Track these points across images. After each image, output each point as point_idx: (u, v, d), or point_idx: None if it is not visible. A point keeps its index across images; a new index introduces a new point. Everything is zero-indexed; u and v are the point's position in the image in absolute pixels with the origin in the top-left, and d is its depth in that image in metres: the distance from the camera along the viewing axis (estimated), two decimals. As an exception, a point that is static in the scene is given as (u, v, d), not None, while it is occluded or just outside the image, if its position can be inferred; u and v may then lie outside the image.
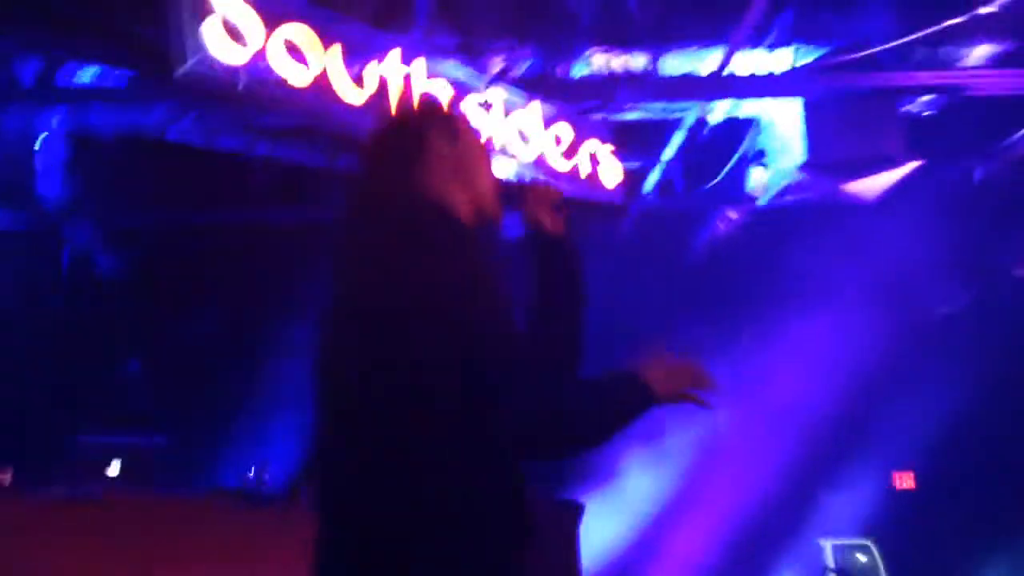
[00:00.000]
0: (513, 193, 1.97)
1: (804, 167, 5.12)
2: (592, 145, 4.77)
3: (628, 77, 4.78)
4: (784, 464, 6.58)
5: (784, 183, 5.41)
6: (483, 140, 2.05)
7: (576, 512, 4.62)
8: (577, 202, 5.00)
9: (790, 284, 6.10)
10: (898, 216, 5.62)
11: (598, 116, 4.82)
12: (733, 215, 6.01)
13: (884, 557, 7.35)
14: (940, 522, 7.19)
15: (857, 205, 5.48)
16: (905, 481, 7.32)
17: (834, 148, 5.03)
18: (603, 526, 6.13)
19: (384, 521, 1.62)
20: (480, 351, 1.62)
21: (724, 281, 6.36)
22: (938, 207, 5.64)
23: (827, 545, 7.15)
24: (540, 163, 4.61)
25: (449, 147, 1.85)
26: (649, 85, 4.70)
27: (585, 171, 4.79)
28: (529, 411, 1.62)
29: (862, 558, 7.38)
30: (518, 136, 4.50)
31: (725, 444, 6.45)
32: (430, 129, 1.86)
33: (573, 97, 4.74)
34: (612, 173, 4.91)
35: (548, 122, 4.55)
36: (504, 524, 1.68)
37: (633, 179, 5.50)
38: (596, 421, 1.69)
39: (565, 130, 4.61)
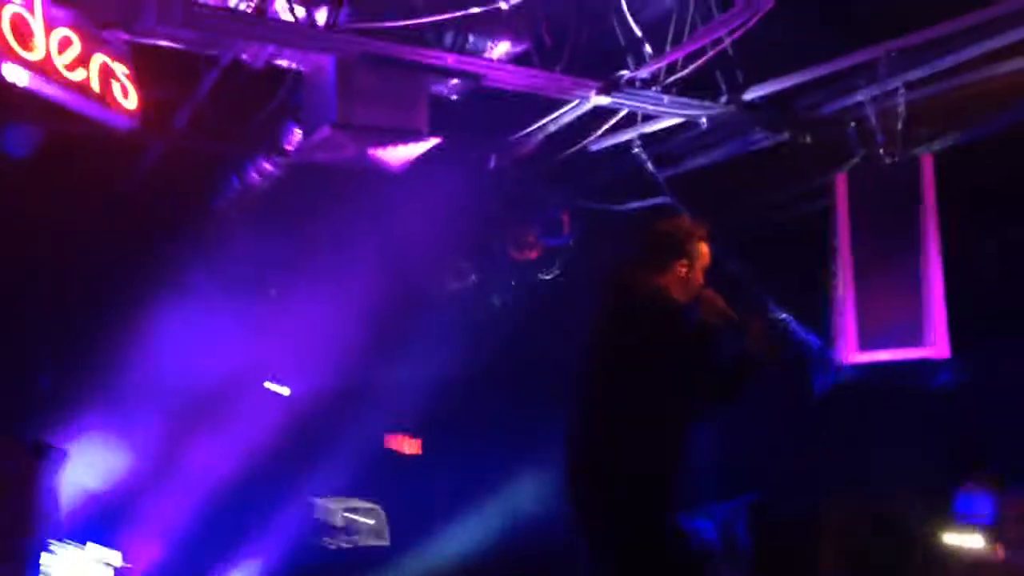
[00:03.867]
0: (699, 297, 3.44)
1: (335, 127, 5.20)
2: (105, 61, 4.42)
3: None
4: (288, 425, 6.68)
5: (317, 140, 5.45)
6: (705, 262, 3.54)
7: (55, 458, 4.27)
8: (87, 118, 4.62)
9: (312, 243, 6.19)
10: (419, 190, 5.96)
11: (118, 32, 4.47)
12: (268, 166, 5.94)
13: (389, 518, 7.75)
14: (438, 484, 7.77)
15: (382, 173, 5.71)
16: (409, 446, 7.79)
17: (365, 112, 5.16)
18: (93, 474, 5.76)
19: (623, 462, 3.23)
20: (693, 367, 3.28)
21: (252, 232, 6.28)
22: (456, 188, 6.07)
23: (328, 505, 7.36)
24: (44, 65, 4.16)
25: (686, 271, 3.43)
26: (178, 10, 4.45)
27: (96, 87, 4.42)
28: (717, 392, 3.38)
29: (368, 520, 7.70)
30: (13, 34, 4.02)
31: (227, 400, 6.39)
32: (679, 258, 3.43)
33: (91, 7, 4.35)
34: (128, 97, 4.59)
35: (53, 22, 4.12)
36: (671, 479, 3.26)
37: (159, 110, 5.20)
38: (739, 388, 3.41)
39: (73, 38, 4.21)
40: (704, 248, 3.47)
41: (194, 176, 6.14)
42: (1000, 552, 4.45)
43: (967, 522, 4.56)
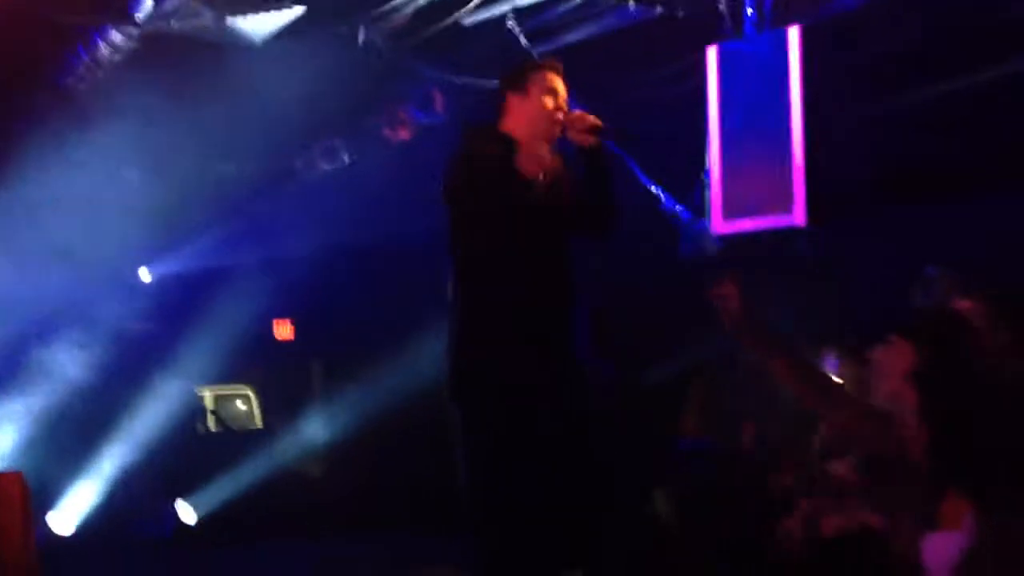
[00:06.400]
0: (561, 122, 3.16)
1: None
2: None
3: None
4: (158, 309, 6.46)
5: (170, 5, 5.09)
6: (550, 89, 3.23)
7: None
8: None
9: (173, 123, 5.87)
10: (285, 66, 5.66)
11: None
12: (118, 37, 5.52)
13: (262, 403, 7.65)
14: (314, 366, 7.69)
15: (244, 47, 5.39)
16: (283, 330, 7.66)
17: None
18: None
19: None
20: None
21: (106, 110, 5.88)
22: (324, 64, 5.79)
23: (205, 392, 7.22)
24: None
25: (520, 101, 3.21)
26: None
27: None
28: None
29: (240, 405, 7.59)
30: None
31: (93, 285, 6.10)
32: (508, 92, 3.25)
33: None
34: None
35: None
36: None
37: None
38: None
39: None
40: (548, 76, 3.19)
41: (37, 48, 5.67)
42: None
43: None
